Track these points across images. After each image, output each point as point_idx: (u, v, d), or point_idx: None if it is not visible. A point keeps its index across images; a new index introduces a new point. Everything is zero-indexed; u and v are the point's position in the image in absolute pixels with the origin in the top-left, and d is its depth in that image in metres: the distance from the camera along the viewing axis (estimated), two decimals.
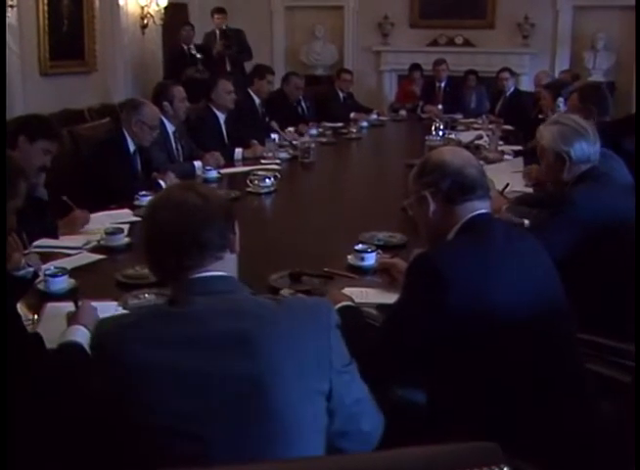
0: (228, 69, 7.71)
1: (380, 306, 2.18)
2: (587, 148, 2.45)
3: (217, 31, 7.99)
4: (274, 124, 5.64)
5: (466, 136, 5.72)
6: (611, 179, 2.54)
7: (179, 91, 4.50)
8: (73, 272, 2.44)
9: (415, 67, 8.44)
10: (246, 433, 1.29)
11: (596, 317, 2.11)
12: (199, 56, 7.70)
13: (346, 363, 1.42)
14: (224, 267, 1.46)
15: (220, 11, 8.07)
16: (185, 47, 7.75)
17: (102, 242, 2.83)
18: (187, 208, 1.42)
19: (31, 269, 2.33)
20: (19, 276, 2.25)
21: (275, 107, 6.15)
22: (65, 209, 3.06)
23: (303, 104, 6.78)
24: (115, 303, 2.19)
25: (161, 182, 3.79)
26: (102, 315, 1.90)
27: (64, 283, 2.33)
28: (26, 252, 2.45)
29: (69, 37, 6.88)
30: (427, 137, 5.14)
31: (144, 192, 3.48)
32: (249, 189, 3.86)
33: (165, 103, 4.41)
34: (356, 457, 1.24)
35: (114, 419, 1.34)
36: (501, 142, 5.40)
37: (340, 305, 1.99)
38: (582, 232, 2.33)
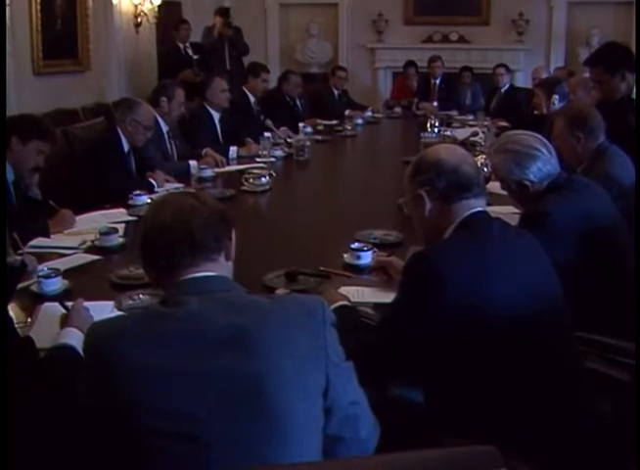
0: (227, 67, 7.63)
1: (376, 306, 2.17)
2: (544, 166, 2.40)
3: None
4: (269, 122, 5.63)
5: (461, 133, 5.70)
6: (580, 183, 2.50)
7: (180, 94, 4.55)
8: (67, 273, 2.42)
9: (410, 63, 8.45)
10: (243, 432, 1.27)
11: (593, 316, 2.10)
12: (195, 57, 7.62)
13: (343, 359, 1.42)
14: (218, 270, 1.46)
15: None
16: (181, 46, 7.66)
17: (96, 242, 2.81)
18: (184, 209, 1.46)
19: (18, 258, 2.29)
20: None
21: (271, 105, 6.14)
22: (52, 209, 3.06)
23: (298, 102, 6.77)
24: (112, 302, 2.18)
25: (153, 181, 3.79)
26: (98, 316, 1.89)
27: (57, 284, 2.32)
28: (21, 251, 2.43)
29: (63, 36, 6.82)
30: (422, 134, 5.12)
31: (138, 191, 3.48)
32: (244, 188, 3.85)
33: (163, 98, 4.44)
34: (353, 461, 1.23)
35: (109, 422, 1.32)
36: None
37: (336, 304, 1.99)
38: (566, 238, 2.30)
